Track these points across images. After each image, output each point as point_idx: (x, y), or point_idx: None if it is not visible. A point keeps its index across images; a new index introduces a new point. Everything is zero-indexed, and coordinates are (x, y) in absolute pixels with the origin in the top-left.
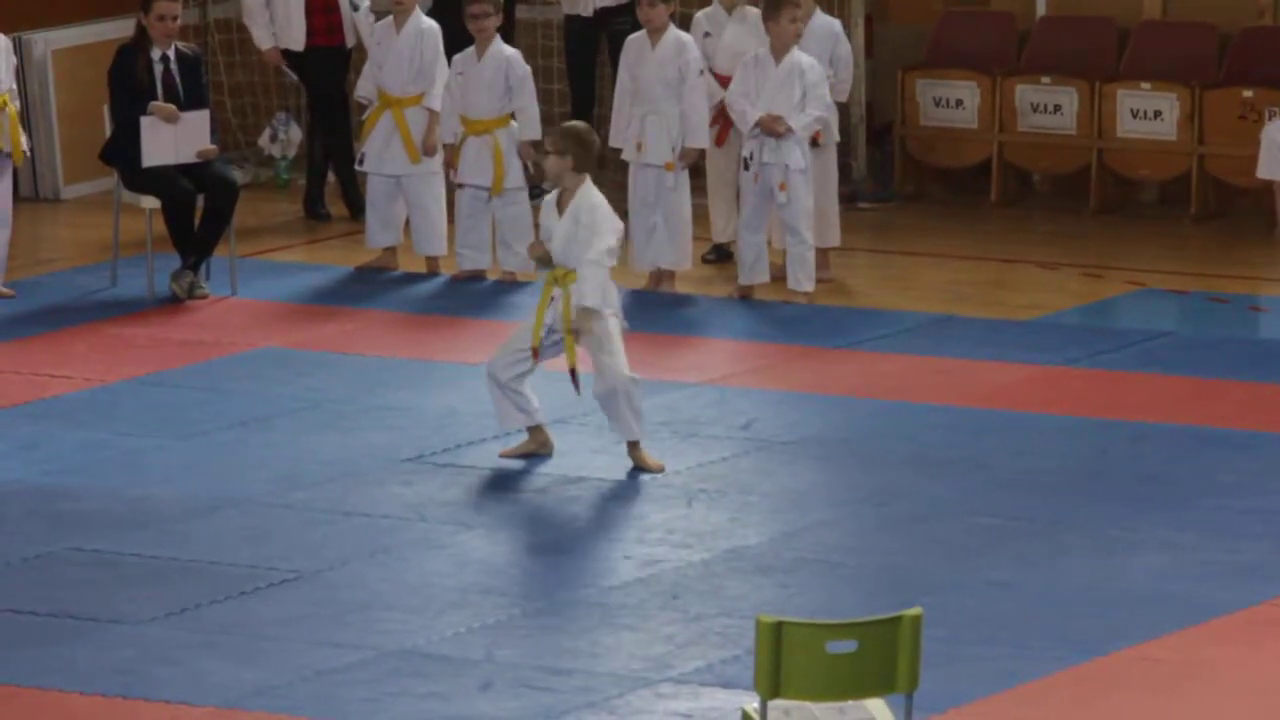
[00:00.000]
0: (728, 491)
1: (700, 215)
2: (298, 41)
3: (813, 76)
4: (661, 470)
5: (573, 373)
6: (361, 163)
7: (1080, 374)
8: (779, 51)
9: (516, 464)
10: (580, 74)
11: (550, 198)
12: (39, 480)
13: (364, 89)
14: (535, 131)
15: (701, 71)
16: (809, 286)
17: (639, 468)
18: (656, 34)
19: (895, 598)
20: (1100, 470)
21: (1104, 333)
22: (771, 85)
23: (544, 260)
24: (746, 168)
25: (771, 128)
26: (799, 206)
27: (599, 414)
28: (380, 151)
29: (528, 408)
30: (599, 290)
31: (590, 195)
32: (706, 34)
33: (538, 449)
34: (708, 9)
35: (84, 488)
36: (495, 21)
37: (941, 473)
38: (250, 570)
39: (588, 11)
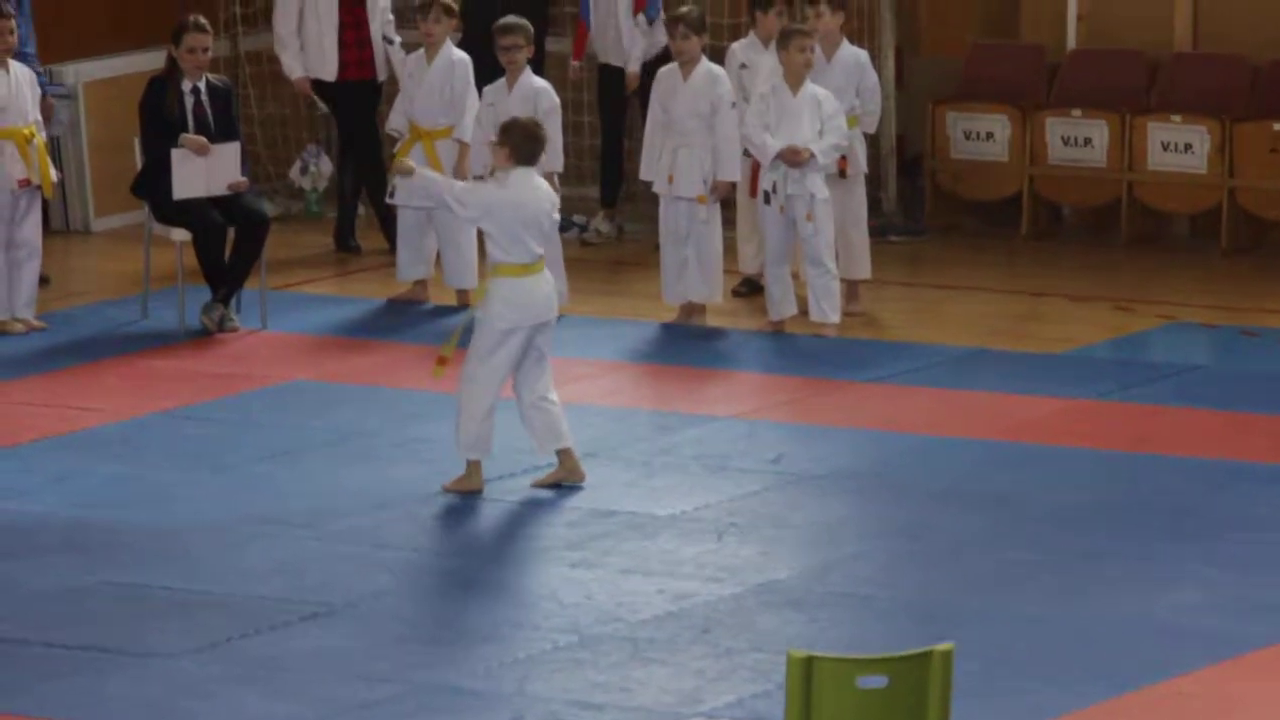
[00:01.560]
0: (758, 525)
1: (729, 248)
2: (330, 72)
3: (829, 108)
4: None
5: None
6: (392, 195)
7: (1111, 408)
8: (794, 82)
9: (547, 496)
10: (610, 108)
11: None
12: (70, 513)
13: (395, 122)
14: (557, 163)
15: (733, 104)
16: (835, 318)
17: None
18: (688, 66)
19: (927, 632)
20: (1132, 504)
21: (1135, 366)
22: (790, 117)
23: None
24: (768, 201)
25: (794, 159)
26: (824, 237)
27: (630, 448)
28: (411, 184)
29: (558, 429)
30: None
31: (508, 181)
32: (743, 66)
33: (568, 477)
34: (743, 40)
35: (115, 521)
36: (526, 53)
37: (973, 506)
38: (281, 604)
39: (619, 64)
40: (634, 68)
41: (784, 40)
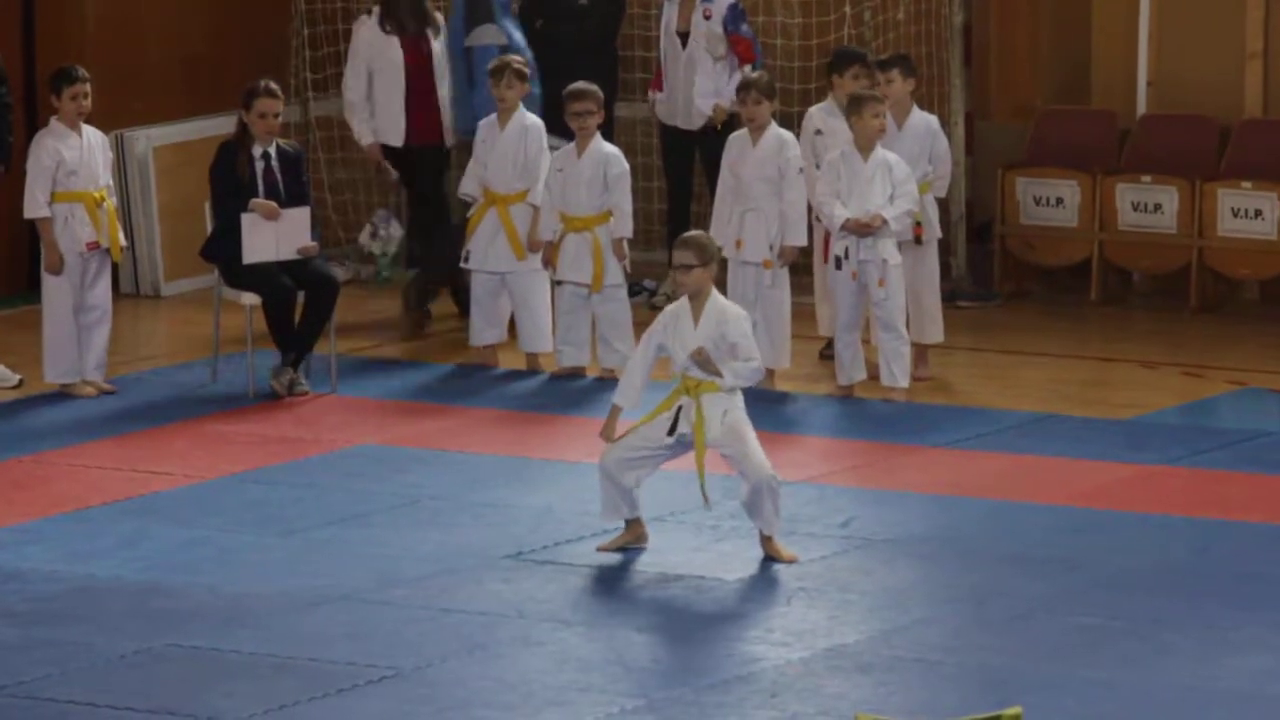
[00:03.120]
0: (826, 590)
1: (800, 312)
2: (398, 137)
3: (900, 173)
4: (795, 560)
5: (703, 488)
6: (466, 260)
7: (1181, 473)
8: (864, 148)
9: (615, 560)
10: (677, 171)
11: (674, 307)
12: (138, 576)
13: (468, 186)
14: (626, 229)
15: (801, 169)
16: (905, 382)
17: (770, 557)
18: (758, 131)
19: (994, 697)
20: (1201, 569)
21: (1205, 432)
22: (860, 183)
23: (709, 366)
24: (839, 267)
25: (860, 230)
26: (895, 302)
27: (698, 512)
28: (485, 248)
29: (631, 501)
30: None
31: (722, 301)
32: (818, 131)
33: (633, 541)
34: (821, 104)
35: (183, 584)
36: (597, 119)
37: (1041, 572)
38: (348, 667)
39: (686, 126)
40: (709, 102)
41: (856, 106)
